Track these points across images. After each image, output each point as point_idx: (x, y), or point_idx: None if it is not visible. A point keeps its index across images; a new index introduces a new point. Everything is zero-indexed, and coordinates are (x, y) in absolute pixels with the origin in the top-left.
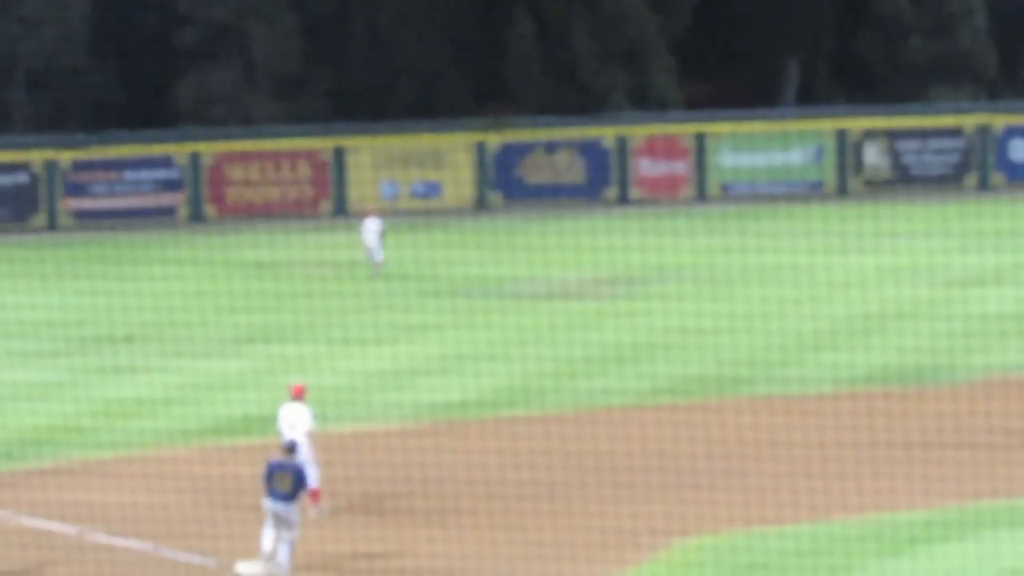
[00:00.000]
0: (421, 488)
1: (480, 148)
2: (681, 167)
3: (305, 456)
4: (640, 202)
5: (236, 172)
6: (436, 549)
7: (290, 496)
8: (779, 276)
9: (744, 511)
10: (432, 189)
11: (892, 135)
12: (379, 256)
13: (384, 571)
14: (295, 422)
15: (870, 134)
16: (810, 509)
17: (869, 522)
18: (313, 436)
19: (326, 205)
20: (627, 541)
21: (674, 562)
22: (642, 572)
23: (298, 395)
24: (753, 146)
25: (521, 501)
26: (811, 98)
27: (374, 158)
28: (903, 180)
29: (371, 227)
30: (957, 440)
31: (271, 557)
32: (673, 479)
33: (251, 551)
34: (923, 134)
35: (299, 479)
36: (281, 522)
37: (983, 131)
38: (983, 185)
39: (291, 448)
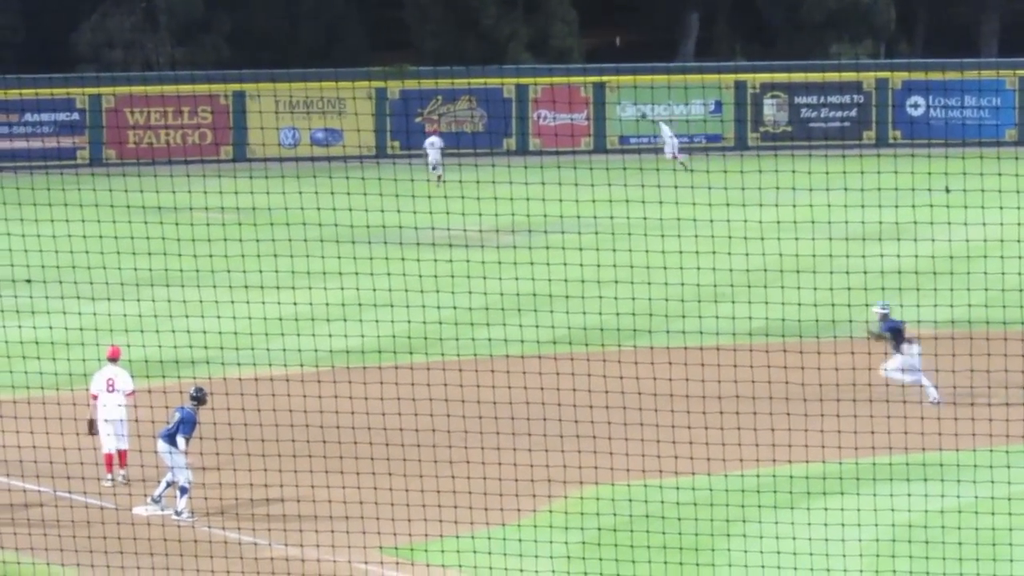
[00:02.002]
0: (318, 434)
1: (380, 96)
2: (580, 118)
3: (124, 416)
4: (539, 152)
5: (137, 116)
6: (333, 495)
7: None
8: (677, 228)
9: (639, 462)
10: (332, 136)
11: (791, 89)
12: (440, 169)
13: (280, 516)
14: (118, 385)
15: (768, 88)
16: (705, 461)
17: (764, 475)
18: (133, 397)
19: (226, 150)
20: (523, 490)
21: (569, 511)
22: (537, 521)
23: (114, 356)
24: (652, 98)
25: (418, 448)
26: (710, 51)
27: (275, 104)
28: (801, 134)
29: (435, 143)
30: (853, 394)
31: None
32: (569, 429)
33: (148, 493)
34: (821, 89)
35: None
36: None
37: (881, 87)
38: (881, 140)
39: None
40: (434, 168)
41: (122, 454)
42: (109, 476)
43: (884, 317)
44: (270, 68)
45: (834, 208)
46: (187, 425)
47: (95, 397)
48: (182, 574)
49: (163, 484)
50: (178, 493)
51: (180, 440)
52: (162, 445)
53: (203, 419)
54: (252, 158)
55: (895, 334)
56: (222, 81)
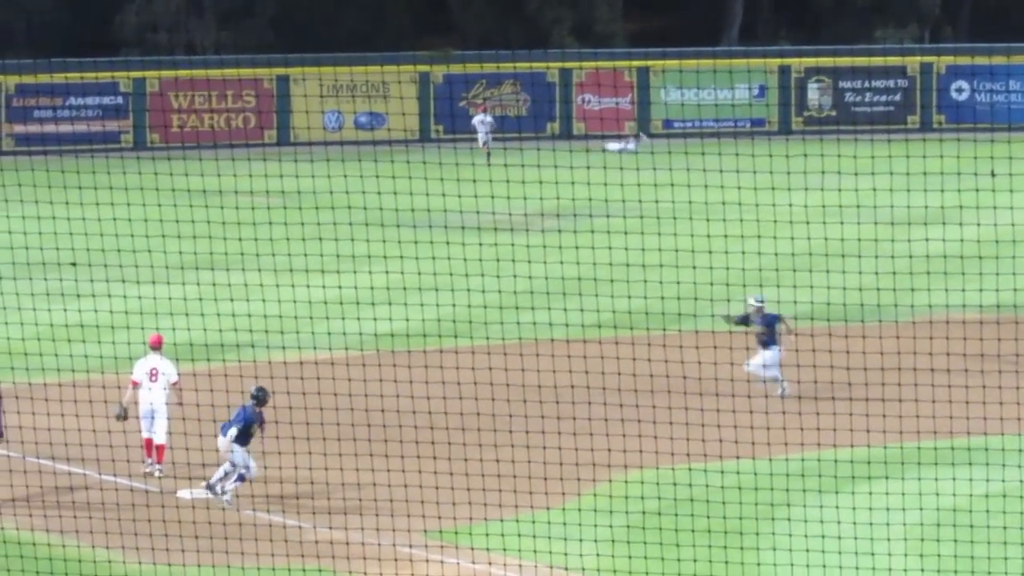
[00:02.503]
0: (363, 418)
1: (424, 80)
2: (625, 102)
3: (167, 411)
4: (583, 136)
5: (181, 99)
6: (377, 478)
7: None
8: (721, 212)
9: (684, 446)
10: (376, 120)
11: (835, 73)
12: (489, 146)
13: (324, 499)
14: (161, 372)
15: (813, 72)
16: (750, 445)
17: (809, 459)
18: (179, 387)
19: (270, 134)
20: (567, 474)
21: (614, 495)
22: (581, 505)
23: (156, 344)
24: (696, 83)
25: (462, 432)
26: (755, 36)
27: (319, 88)
28: (845, 119)
29: (485, 120)
30: (898, 379)
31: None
32: (613, 413)
33: (194, 477)
34: (866, 73)
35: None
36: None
37: (926, 71)
38: (925, 125)
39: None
40: (484, 144)
41: (159, 449)
42: (149, 460)
43: (759, 311)
44: (314, 52)
45: (879, 192)
46: (242, 423)
47: (135, 384)
48: (227, 557)
49: (220, 471)
50: (234, 476)
51: (231, 431)
52: (222, 441)
53: (238, 401)
54: (296, 142)
55: (769, 328)
56: (266, 65)
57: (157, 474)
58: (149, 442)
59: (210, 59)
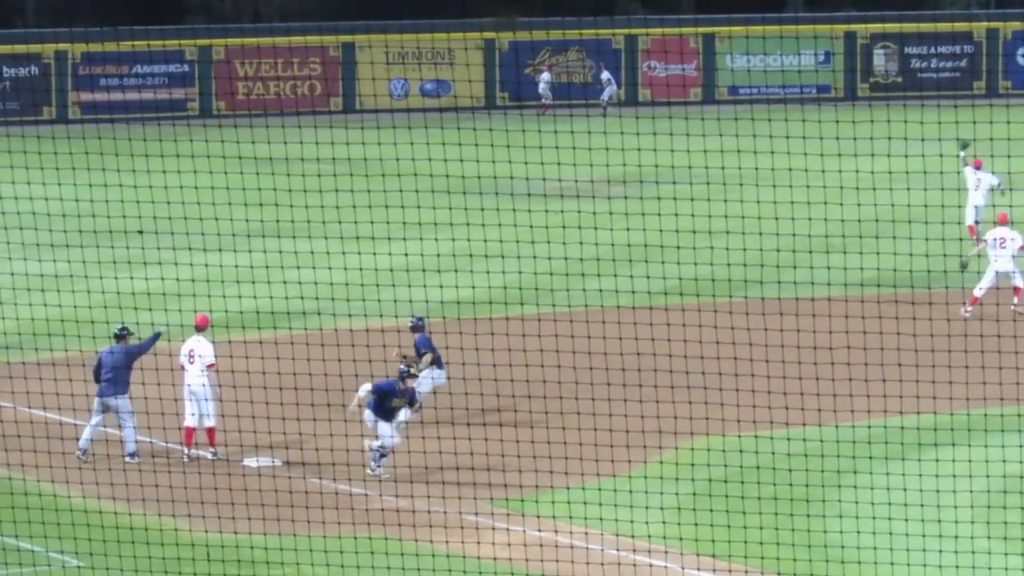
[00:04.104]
0: (429, 386)
1: (490, 46)
2: (690, 68)
3: (206, 393)
4: (649, 103)
5: (247, 67)
6: (443, 446)
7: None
8: (788, 179)
9: (750, 413)
10: (441, 87)
11: (901, 39)
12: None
13: (391, 467)
14: (199, 355)
15: (879, 38)
16: (816, 412)
17: (875, 426)
18: (214, 370)
19: (335, 101)
20: (633, 441)
21: (680, 463)
22: (648, 472)
23: (201, 325)
24: (762, 49)
25: (528, 399)
26: (821, 1)
27: (384, 55)
28: (911, 85)
29: (545, 78)
30: (965, 345)
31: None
32: (680, 380)
33: (260, 446)
34: (932, 39)
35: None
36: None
37: (992, 36)
38: (991, 91)
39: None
40: (543, 99)
41: (209, 432)
42: (186, 451)
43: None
44: (380, 19)
45: (946, 159)
46: (377, 393)
47: (181, 367)
48: (292, 525)
49: (369, 446)
50: (376, 452)
51: (365, 385)
52: (368, 414)
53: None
54: (362, 109)
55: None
56: (332, 32)
57: (211, 457)
58: (189, 431)
59: (276, 26)
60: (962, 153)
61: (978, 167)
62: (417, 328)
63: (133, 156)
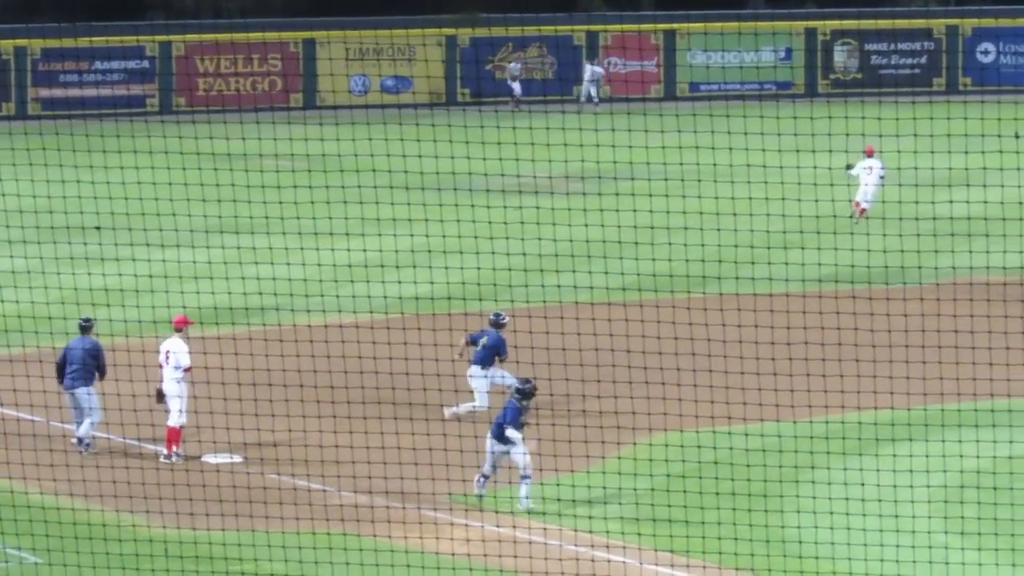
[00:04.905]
0: (388, 381)
1: (451, 43)
2: (651, 65)
3: (179, 392)
4: (609, 100)
5: (207, 63)
6: (402, 442)
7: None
8: (747, 175)
9: (709, 409)
10: (402, 83)
11: (861, 36)
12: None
13: (349, 463)
14: (174, 354)
15: (839, 35)
16: (774, 408)
17: (834, 422)
18: (190, 373)
19: (296, 98)
20: (592, 437)
21: (638, 458)
22: (607, 468)
23: (178, 325)
24: (723, 45)
25: (489, 395)
26: None
27: (344, 51)
28: (871, 81)
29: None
30: (922, 341)
31: None
32: (639, 376)
33: (218, 441)
34: (892, 36)
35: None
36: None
37: (951, 33)
38: (951, 87)
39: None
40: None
41: (170, 432)
42: (175, 450)
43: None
44: (340, 15)
45: (904, 155)
46: (510, 415)
47: (159, 367)
48: (251, 521)
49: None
50: (520, 481)
51: (511, 432)
52: (491, 443)
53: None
54: (322, 105)
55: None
56: (292, 28)
57: (162, 459)
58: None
59: (236, 22)
60: (850, 172)
61: (870, 154)
62: (498, 324)
63: (92, 152)
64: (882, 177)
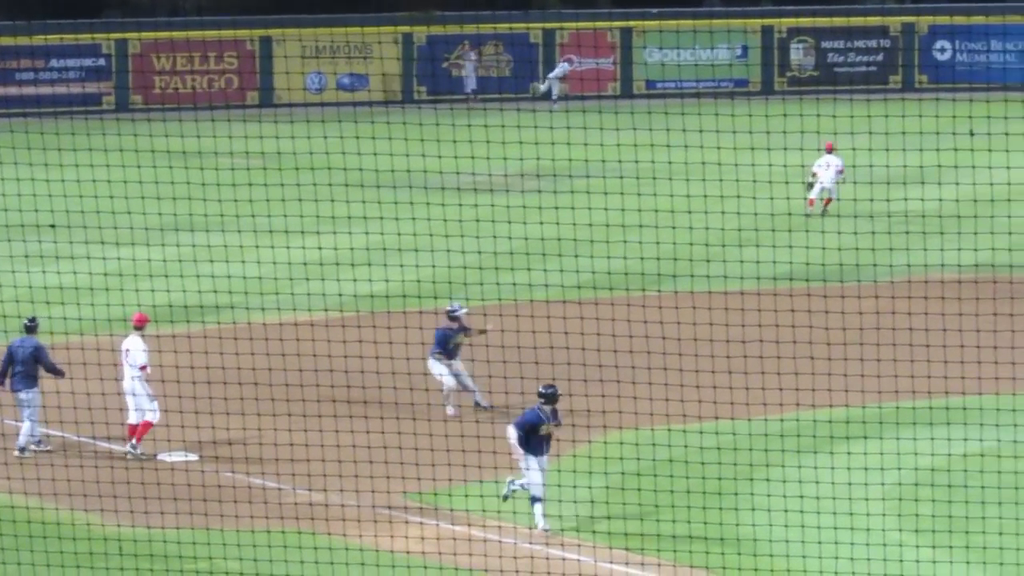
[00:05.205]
0: (343, 379)
1: (407, 41)
2: (607, 63)
3: (139, 391)
4: (566, 97)
5: (163, 61)
6: (357, 440)
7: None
8: (702, 173)
9: (664, 407)
10: (358, 81)
11: (817, 34)
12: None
13: (304, 461)
14: (131, 354)
15: (795, 32)
16: (729, 406)
17: (788, 420)
18: (146, 372)
19: (252, 96)
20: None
21: (594, 456)
22: (561, 466)
23: (138, 324)
24: (680, 43)
25: (444, 393)
26: None
27: (301, 49)
28: (828, 79)
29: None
30: (877, 339)
31: None
32: (594, 374)
33: (173, 439)
34: (848, 33)
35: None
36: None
37: (908, 31)
38: (907, 85)
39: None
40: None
41: (132, 428)
42: (132, 447)
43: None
44: (297, 13)
45: (859, 152)
46: (524, 424)
47: (119, 365)
48: (206, 519)
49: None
50: (531, 503)
51: (509, 430)
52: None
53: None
54: (278, 103)
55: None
56: (249, 26)
57: (133, 455)
58: (132, 429)
59: (192, 20)
60: (810, 194)
61: (829, 151)
62: (449, 317)
63: (47, 150)
64: (840, 173)
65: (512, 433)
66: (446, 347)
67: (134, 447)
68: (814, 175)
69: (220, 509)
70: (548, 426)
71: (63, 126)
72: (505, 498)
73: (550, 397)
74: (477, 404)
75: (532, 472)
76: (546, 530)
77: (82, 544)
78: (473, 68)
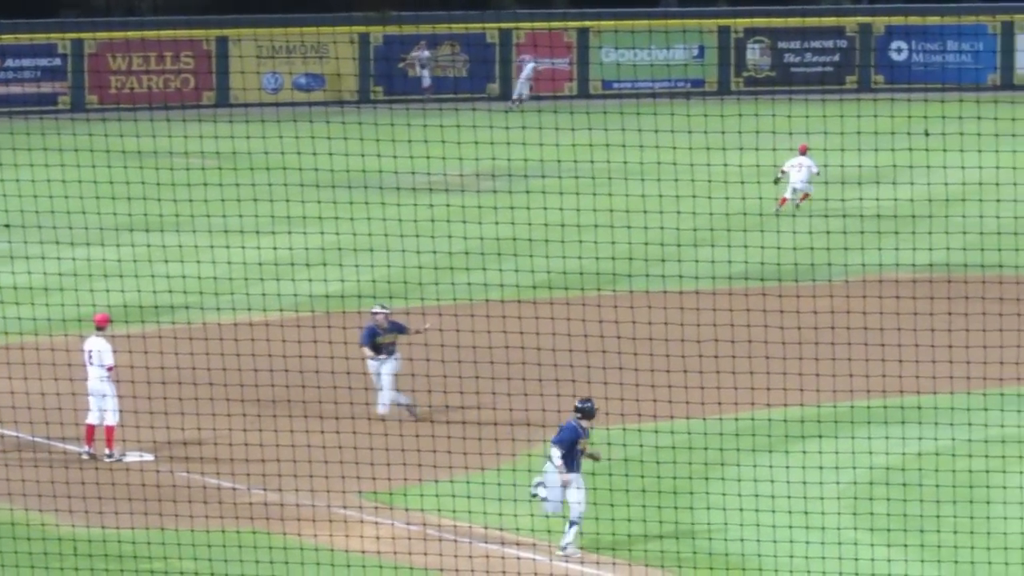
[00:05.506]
0: (299, 379)
1: (364, 41)
2: (564, 63)
3: (106, 391)
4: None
5: (119, 61)
6: (313, 440)
7: None
8: (659, 173)
9: (619, 406)
10: (315, 81)
11: (774, 34)
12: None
13: (259, 461)
14: (97, 355)
15: (752, 33)
16: (684, 405)
17: (743, 419)
18: (114, 372)
19: (209, 95)
20: (502, 435)
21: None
22: (516, 466)
23: (100, 324)
24: (635, 43)
25: (399, 393)
26: None
27: (257, 49)
28: (784, 79)
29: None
30: (833, 338)
31: None
32: (549, 373)
33: (128, 439)
34: (804, 34)
35: None
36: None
37: (864, 31)
38: (863, 85)
39: None
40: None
41: (108, 430)
42: (87, 449)
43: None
44: (253, 13)
45: (815, 152)
46: (565, 442)
47: (84, 366)
48: (161, 519)
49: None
50: (567, 525)
51: (553, 451)
52: (552, 469)
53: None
54: (234, 103)
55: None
56: (205, 26)
57: (107, 459)
58: (90, 429)
59: (148, 20)
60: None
61: (803, 152)
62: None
63: (2, 150)
64: (815, 173)
65: (556, 453)
66: (372, 342)
67: (110, 455)
68: (783, 172)
69: (175, 509)
70: (584, 441)
71: (18, 126)
72: (534, 496)
73: (587, 412)
74: (405, 407)
75: (576, 491)
76: (563, 548)
77: (36, 544)
78: (425, 65)
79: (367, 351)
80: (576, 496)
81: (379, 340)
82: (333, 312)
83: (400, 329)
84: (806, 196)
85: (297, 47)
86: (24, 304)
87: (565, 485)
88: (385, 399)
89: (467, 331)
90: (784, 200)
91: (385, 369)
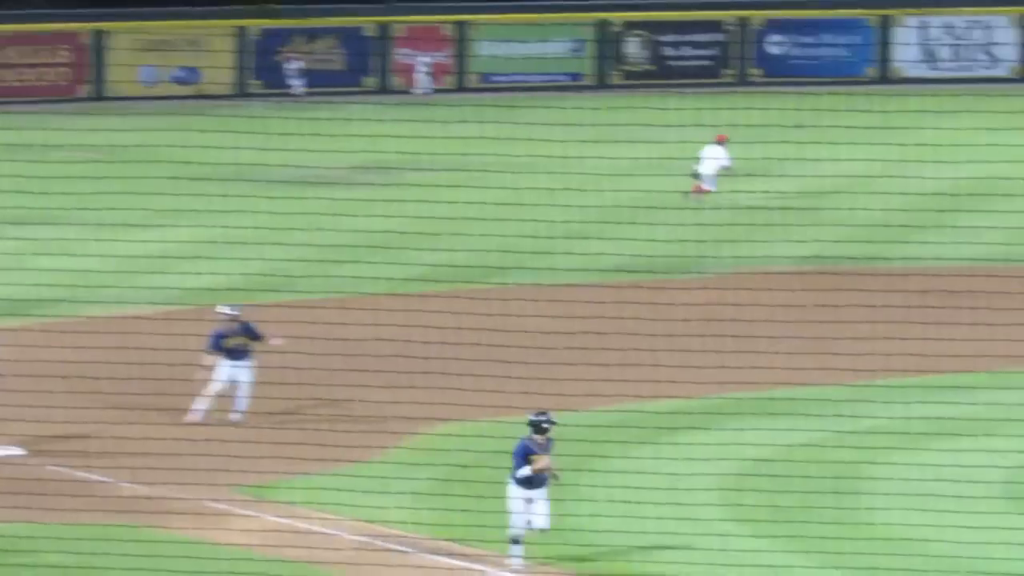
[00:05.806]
0: (171, 373)
1: (241, 34)
2: (442, 56)
3: None
4: (401, 91)
5: None
6: (187, 434)
7: None
8: (535, 166)
9: (494, 399)
10: (192, 75)
11: (652, 27)
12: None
13: (131, 454)
14: None
15: (631, 26)
16: (560, 398)
17: (618, 411)
18: None
19: (85, 89)
20: (377, 427)
21: (419, 448)
22: (392, 458)
23: None
24: (513, 36)
25: (272, 386)
26: None
27: (133, 43)
28: (662, 73)
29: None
30: (706, 331)
31: None
32: (424, 366)
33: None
34: (683, 27)
35: None
36: None
37: (742, 25)
38: (742, 79)
39: None
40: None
41: None
42: None
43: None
44: (130, 6)
45: (692, 145)
46: (515, 452)
47: None
48: (30, 512)
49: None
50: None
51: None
52: (512, 490)
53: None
54: (111, 96)
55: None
56: (82, 20)
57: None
58: None
59: (24, 13)
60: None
61: (721, 141)
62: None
63: None
64: (725, 167)
65: (514, 469)
66: (219, 345)
67: None
68: (700, 162)
69: (45, 503)
70: (537, 457)
71: None
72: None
73: (536, 426)
74: (234, 414)
75: (542, 504)
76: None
77: None
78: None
79: (214, 358)
80: (541, 509)
81: (227, 343)
82: (208, 306)
83: (252, 333)
84: (707, 191)
85: (175, 40)
86: None
87: (530, 500)
88: (241, 406)
89: (343, 324)
90: (698, 187)
91: (243, 377)
